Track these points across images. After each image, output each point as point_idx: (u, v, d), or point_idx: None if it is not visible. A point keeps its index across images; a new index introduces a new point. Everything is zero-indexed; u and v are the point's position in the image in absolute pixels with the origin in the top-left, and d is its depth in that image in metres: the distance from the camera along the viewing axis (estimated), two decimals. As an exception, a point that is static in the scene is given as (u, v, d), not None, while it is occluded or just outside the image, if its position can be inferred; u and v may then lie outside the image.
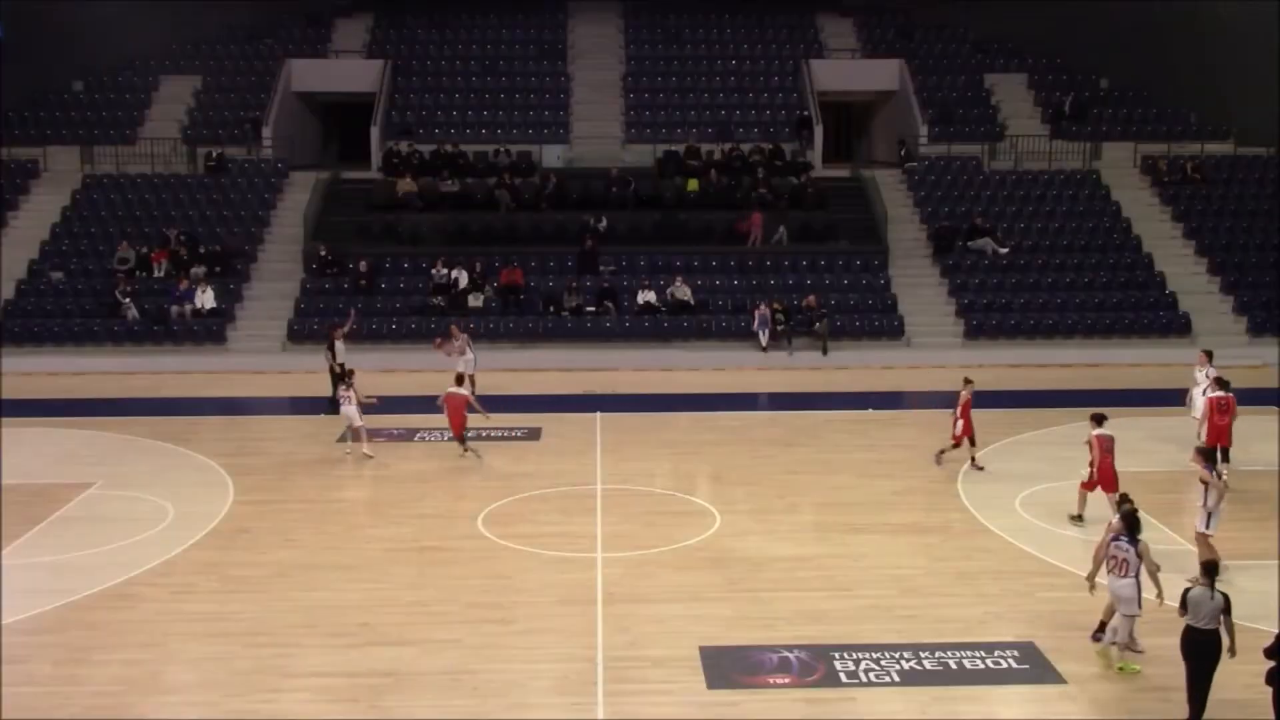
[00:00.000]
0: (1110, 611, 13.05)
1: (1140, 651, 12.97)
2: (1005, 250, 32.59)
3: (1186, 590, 11.72)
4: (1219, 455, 18.84)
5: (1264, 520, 17.79)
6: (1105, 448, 17.33)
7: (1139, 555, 12.68)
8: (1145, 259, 32.52)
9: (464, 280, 31.03)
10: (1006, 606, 14.66)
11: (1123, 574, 12.70)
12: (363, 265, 31.40)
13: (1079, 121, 37.25)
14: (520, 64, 39.96)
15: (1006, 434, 22.40)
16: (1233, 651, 11.53)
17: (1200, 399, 20.52)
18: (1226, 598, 11.47)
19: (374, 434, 21.52)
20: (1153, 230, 33.67)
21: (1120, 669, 12.92)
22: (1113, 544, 12.85)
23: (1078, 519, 17.67)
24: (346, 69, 39.51)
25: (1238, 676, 12.57)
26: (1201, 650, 11.52)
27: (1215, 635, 11.46)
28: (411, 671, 12.87)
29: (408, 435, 22.37)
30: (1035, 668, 13.04)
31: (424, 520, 17.84)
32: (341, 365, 23.81)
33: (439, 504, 18.65)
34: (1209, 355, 21.35)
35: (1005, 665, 13.09)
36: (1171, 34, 37.24)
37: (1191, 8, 36.01)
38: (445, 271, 31.21)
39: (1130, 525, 12.85)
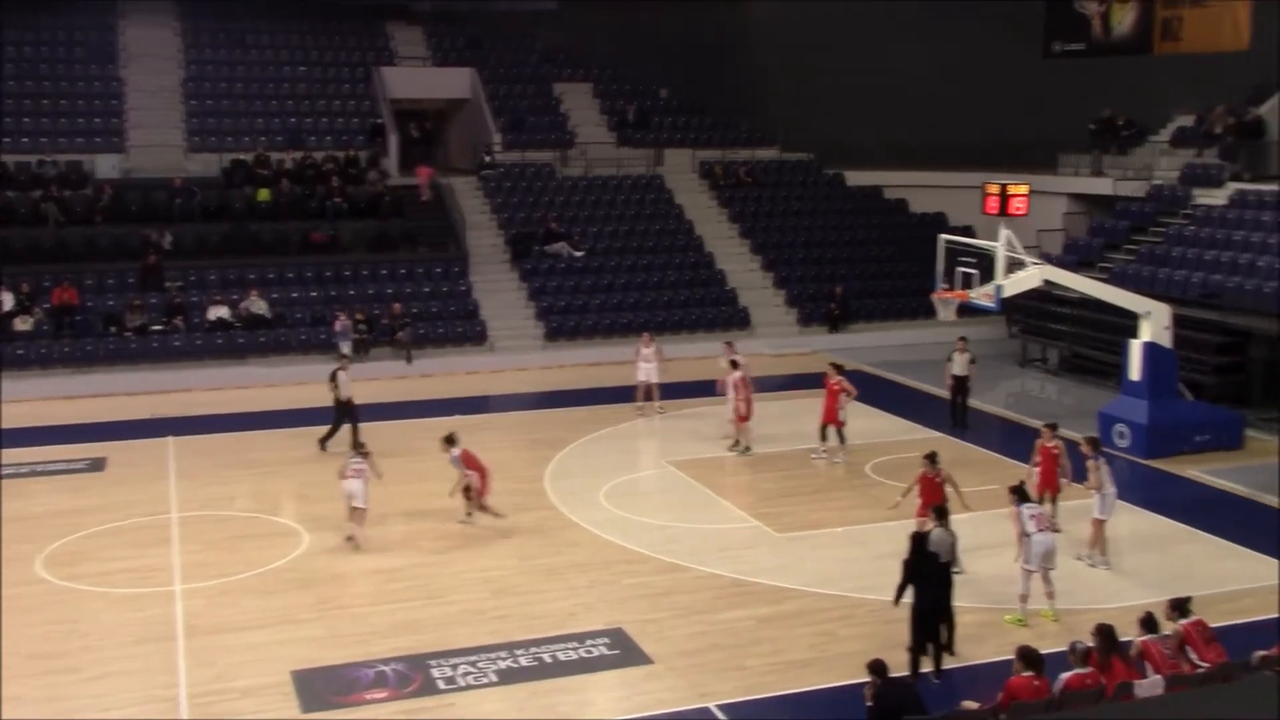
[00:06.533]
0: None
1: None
2: (580, 254, 33.71)
3: None
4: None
5: (810, 495, 19.45)
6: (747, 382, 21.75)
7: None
8: (708, 258, 34.65)
9: (9, 302, 28.35)
10: (595, 597, 15.20)
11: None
12: (-118, 291, 27.94)
13: (642, 129, 39.14)
14: (65, 67, 36.85)
15: (588, 430, 23.17)
16: None
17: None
18: None
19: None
20: (713, 230, 35.92)
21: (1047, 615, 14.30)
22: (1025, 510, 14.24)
23: (739, 446, 21.66)
24: None
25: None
26: None
27: None
28: (-38, 737, 11.64)
29: (-52, 476, 20.18)
30: (624, 651, 13.61)
31: (-29, 569, 16.17)
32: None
33: (-11, 549, 16.94)
34: (730, 345, 23.57)
35: (597, 653, 13.56)
36: (720, 49, 39.97)
37: (733, 27, 38.70)
38: (-14, 294, 28.39)
39: (1020, 495, 14.47)
